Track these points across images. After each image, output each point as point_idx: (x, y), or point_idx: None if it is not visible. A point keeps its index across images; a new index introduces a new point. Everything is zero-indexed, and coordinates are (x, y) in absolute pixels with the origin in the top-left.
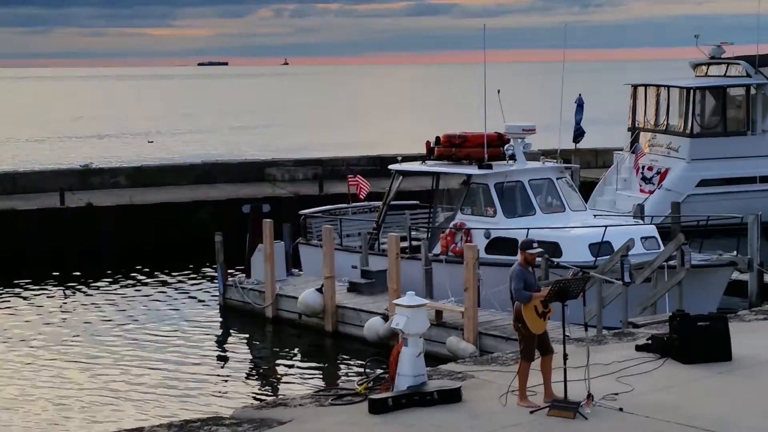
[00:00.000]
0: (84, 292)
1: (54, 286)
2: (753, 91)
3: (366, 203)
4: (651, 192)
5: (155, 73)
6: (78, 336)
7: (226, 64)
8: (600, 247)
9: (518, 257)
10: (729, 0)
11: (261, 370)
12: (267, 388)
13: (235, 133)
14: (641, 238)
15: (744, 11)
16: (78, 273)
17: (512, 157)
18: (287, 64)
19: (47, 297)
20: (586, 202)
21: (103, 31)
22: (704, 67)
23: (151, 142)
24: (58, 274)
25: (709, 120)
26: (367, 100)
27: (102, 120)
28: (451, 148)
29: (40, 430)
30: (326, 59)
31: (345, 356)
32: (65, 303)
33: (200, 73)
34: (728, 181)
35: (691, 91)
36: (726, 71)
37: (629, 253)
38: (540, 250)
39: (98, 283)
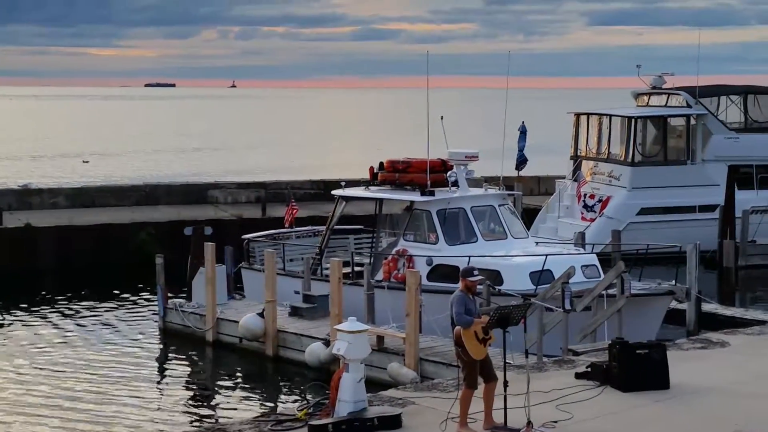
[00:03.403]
0: (21, 314)
1: None
2: (693, 121)
3: (310, 228)
4: (592, 220)
5: (101, 93)
6: (12, 359)
7: (173, 85)
8: (541, 275)
9: (459, 284)
10: (670, 31)
11: (201, 395)
12: (207, 412)
13: (178, 154)
14: (582, 266)
15: (685, 42)
16: (15, 294)
17: (455, 184)
18: (235, 86)
19: None
20: (529, 229)
21: (45, 50)
22: (645, 97)
23: (86, 162)
24: None
25: (650, 149)
26: (312, 124)
27: (43, 140)
28: (394, 173)
29: None
30: (272, 82)
31: (286, 381)
32: (0, 324)
33: (148, 95)
34: (668, 209)
35: (633, 120)
36: (667, 101)
37: (570, 280)
38: (481, 277)
39: (36, 305)
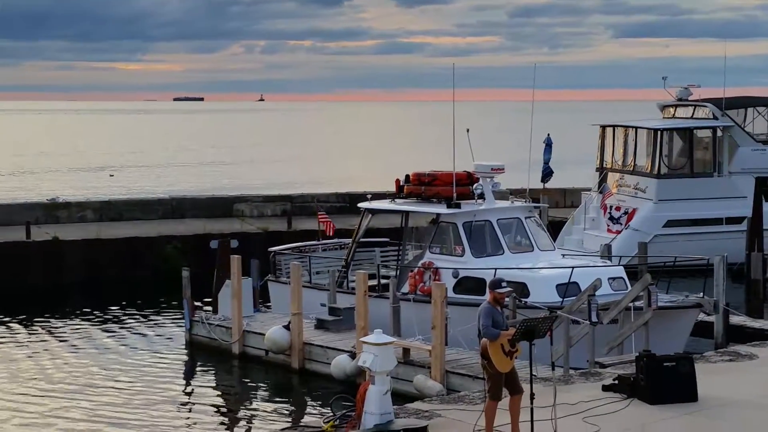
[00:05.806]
0: (48, 327)
1: (18, 320)
2: (719, 133)
3: (336, 240)
4: (618, 232)
5: (129, 107)
6: (40, 372)
7: (202, 99)
8: (567, 288)
9: (487, 296)
10: (696, 43)
11: (227, 407)
12: (233, 425)
13: (205, 167)
14: (608, 278)
15: (711, 54)
16: (43, 307)
17: (481, 196)
18: (263, 100)
19: (10, 331)
20: (555, 242)
21: (72, 64)
22: (672, 109)
23: (112, 175)
24: (22, 308)
25: (676, 161)
26: (339, 136)
27: (70, 154)
28: (420, 186)
29: None
30: (299, 95)
31: (311, 394)
32: (28, 339)
33: (176, 108)
34: (695, 222)
35: (659, 132)
36: (693, 113)
37: (596, 293)
38: (509, 289)
39: (63, 318)
